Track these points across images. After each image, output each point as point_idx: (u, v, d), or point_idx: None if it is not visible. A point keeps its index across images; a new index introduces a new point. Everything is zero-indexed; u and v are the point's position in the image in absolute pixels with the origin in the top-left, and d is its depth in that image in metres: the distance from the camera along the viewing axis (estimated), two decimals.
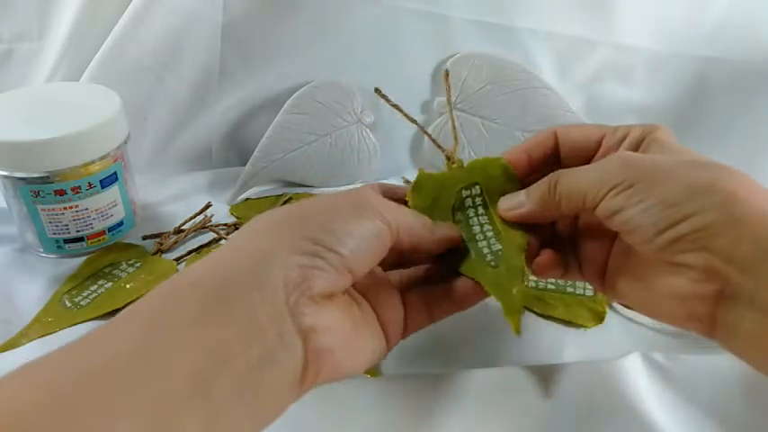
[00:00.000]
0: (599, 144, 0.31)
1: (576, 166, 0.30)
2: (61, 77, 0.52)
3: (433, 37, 0.52)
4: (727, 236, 0.23)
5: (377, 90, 0.36)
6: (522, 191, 0.31)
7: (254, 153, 0.52)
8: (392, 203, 0.28)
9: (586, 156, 0.31)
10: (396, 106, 0.36)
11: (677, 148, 0.28)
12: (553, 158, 0.32)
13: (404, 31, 0.51)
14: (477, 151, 0.54)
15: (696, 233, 0.23)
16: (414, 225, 0.28)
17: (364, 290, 0.28)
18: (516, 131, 0.53)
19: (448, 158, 0.34)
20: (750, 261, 0.22)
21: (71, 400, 0.18)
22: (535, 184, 0.30)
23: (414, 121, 0.36)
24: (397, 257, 0.28)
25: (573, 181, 0.28)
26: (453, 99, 0.52)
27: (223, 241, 0.46)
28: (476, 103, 0.52)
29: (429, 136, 0.37)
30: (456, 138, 0.38)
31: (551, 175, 0.29)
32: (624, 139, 0.30)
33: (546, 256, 0.31)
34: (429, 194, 0.32)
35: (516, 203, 0.31)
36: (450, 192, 0.32)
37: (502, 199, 0.32)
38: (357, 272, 0.25)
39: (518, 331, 0.27)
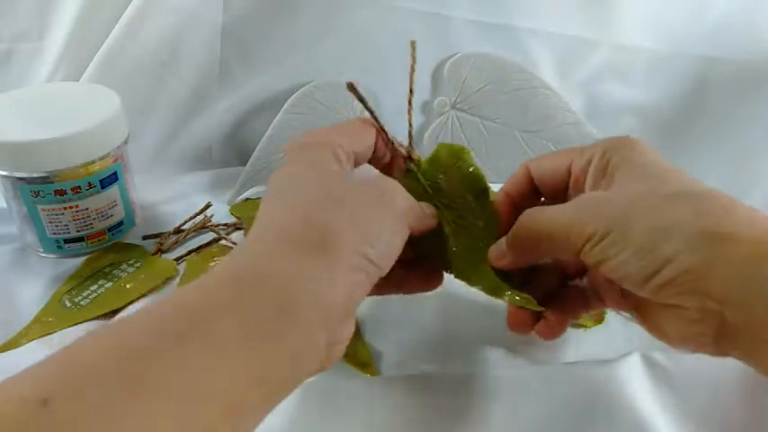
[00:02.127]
0: (569, 172, 0.30)
1: (553, 195, 0.31)
2: (61, 77, 0.52)
3: (433, 37, 0.52)
4: (713, 277, 0.22)
5: (349, 85, 0.34)
6: (502, 239, 0.30)
7: (254, 153, 0.52)
8: (411, 202, 0.28)
9: (560, 185, 0.31)
10: (363, 101, 0.34)
11: (644, 170, 0.27)
12: (532, 192, 0.32)
13: (403, 31, 0.51)
14: (478, 152, 0.54)
15: (681, 277, 0.23)
16: (419, 223, 0.29)
17: None
18: (516, 131, 0.53)
19: (410, 159, 0.34)
20: (743, 299, 0.22)
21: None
22: (510, 232, 0.29)
23: (375, 118, 0.35)
24: None
25: (549, 226, 0.27)
26: (453, 99, 0.52)
27: (223, 241, 0.46)
28: (476, 103, 0.52)
29: (386, 135, 0.35)
30: (411, 134, 0.37)
31: (520, 217, 0.29)
32: (590, 162, 0.29)
33: (568, 297, 0.32)
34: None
35: (501, 253, 0.30)
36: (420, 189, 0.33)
37: (490, 249, 0.31)
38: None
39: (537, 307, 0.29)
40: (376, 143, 0.32)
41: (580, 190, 0.29)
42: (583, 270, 0.32)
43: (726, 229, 0.23)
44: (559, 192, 0.31)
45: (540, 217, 0.28)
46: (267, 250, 0.23)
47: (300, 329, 0.21)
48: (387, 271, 0.25)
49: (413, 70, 0.36)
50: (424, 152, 0.52)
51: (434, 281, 0.32)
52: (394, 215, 0.26)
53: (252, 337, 0.20)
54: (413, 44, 0.37)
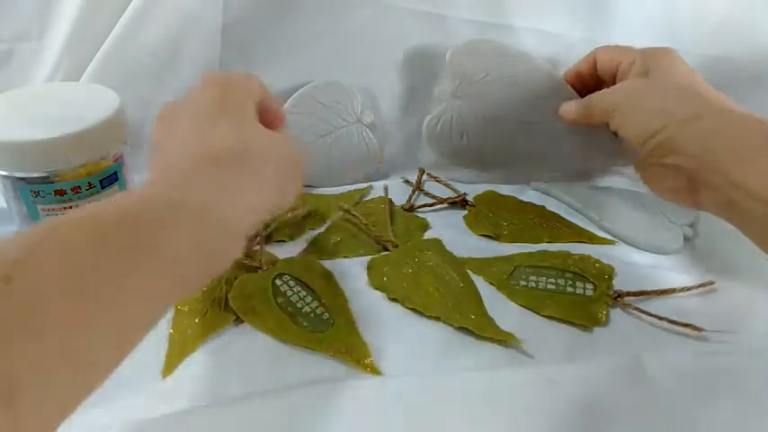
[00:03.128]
0: (617, 67, 0.44)
1: (606, 79, 0.46)
2: (61, 77, 0.52)
3: (433, 37, 0.52)
4: (685, 142, 0.35)
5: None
6: (574, 102, 0.46)
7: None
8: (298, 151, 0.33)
9: (611, 73, 0.45)
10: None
11: (671, 68, 0.41)
12: (595, 72, 0.46)
13: (403, 31, 0.51)
14: (476, 141, 0.52)
15: (666, 141, 0.36)
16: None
17: None
18: (516, 122, 0.51)
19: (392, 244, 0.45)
20: (704, 155, 0.34)
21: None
22: (582, 100, 0.45)
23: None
24: None
25: (595, 100, 0.43)
26: (454, 88, 0.51)
27: None
28: (476, 91, 0.51)
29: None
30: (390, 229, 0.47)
31: (587, 97, 0.44)
32: (635, 62, 0.43)
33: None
34: None
35: (569, 111, 0.46)
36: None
37: (562, 106, 0.47)
38: None
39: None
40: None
41: (625, 78, 0.44)
42: None
43: (697, 113, 0.36)
44: (611, 75, 0.45)
45: (596, 96, 0.43)
46: (192, 177, 0.27)
47: (212, 253, 0.26)
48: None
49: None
50: (423, 153, 0.51)
51: None
52: (299, 170, 0.33)
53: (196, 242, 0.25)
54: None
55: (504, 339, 0.36)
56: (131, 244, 0.22)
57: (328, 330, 0.37)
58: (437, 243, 0.46)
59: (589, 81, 0.47)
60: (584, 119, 0.45)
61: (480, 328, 0.37)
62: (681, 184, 0.36)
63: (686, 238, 0.46)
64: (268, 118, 0.36)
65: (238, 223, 0.27)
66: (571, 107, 0.46)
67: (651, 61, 0.42)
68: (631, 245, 0.46)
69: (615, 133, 0.42)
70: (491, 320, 0.38)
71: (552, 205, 0.51)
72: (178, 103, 0.32)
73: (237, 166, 0.28)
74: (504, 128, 0.52)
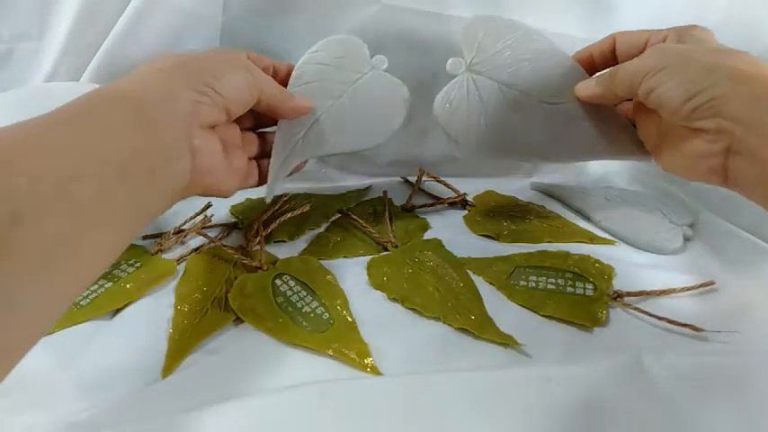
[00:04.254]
0: (646, 43, 0.40)
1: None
2: (61, 77, 0.52)
3: (433, 37, 0.52)
4: (733, 102, 0.31)
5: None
6: (594, 77, 0.42)
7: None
8: (260, 71, 0.38)
9: (636, 54, 0.39)
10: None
11: (706, 40, 0.37)
12: (610, 56, 0.42)
13: (404, 31, 0.51)
14: (496, 122, 0.45)
15: (709, 102, 0.31)
16: (274, 90, 0.39)
17: (226, 142, 0.37)
18: (538, 101, 0.45)
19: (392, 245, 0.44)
20: (751, 121, 0.30)
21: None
22: (602, 73, 0.41)
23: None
24: (255, 120, 0.42)
25: (624, 69, 0.37)
26: (469, 60, 0.45)
27: (213, 245, 0.46)
28: (494, 65, 0.45)
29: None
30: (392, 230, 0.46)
31: (613, 68, 0.39)
32: (665, 38, 0.39)
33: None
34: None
35: (588, 87, 0.42)
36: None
37: (579, 84, 0.42)
38: (231, 112, 0.36)
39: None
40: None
41: None
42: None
43: (747, 73, 0.31)
44: (627, 59, 0.39)
45: (623, 65, 0.37)
46: (138, 74, 0.33)
47: (154, 121, 0.30)
48: (234, 106, 0.35)
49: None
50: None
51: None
52: (234, 62, 0.36)
53: (127, 124, 0.28)
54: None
55: (503, 342, 0.36)
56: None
57: (328, 330, 0.37)
58: (437, 243, 0.46)
59: (602, 66, 0.44)
60: (607, 92, 0.40)
61: (480, 329, 0.37)
62: (716, 151, 0.32)
63: (686, 238, 0.46)
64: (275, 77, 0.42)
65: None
66: (590, 83, 0.42)
67: (684, 34, 0.38)
68: (631, 245, 0.46)
69: (633, 124, 0.41)
70: (491, 321, 0.38)
71: (552, 205, 0.51)
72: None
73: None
74: (527, 106, 0.45)
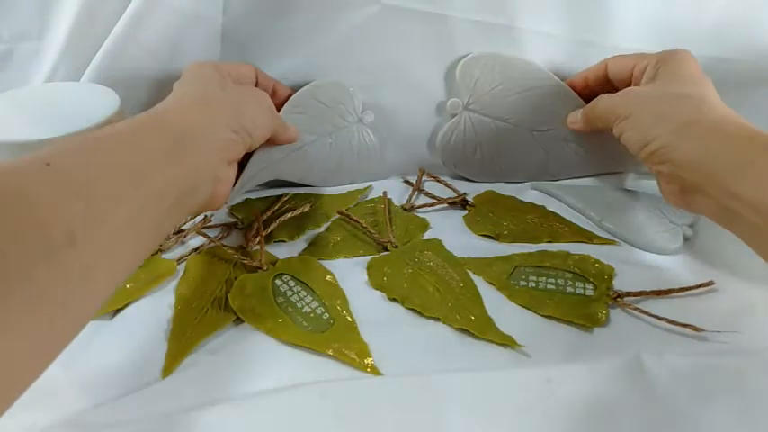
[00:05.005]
0: (632, 72, 0.44)
1: (620, 86, 0.45)
2: (61, 77, 0.52)
3: (434, 36, 0.52)
4: (678, 150, 0.36)
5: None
6: (579, 111, 0.49)
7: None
8: (275, 111, 0.44)
9: (625, 79, 0.45)
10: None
11: (677, 74, 0.41)
12: (604, 80, 0.47)
13: (404, 31, 0.51)
14: (491, 152, 0.54)
15: (659, 150, 0.37)
16: (281, 129, 0.45)
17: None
18: (529, 131, 0.53)
19: (392, 245, 0.46)
20: (695, 164, 0.35)
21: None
22: (585, 107, 0.48)
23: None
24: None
25: (601, 106, 0.44)
26: (466, 100, 0.52)
27: (213, 245, 0.46)
28: (488, 103, 0.52)
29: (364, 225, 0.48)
30: (391, 230, 0.48)
31: (591, 103, 0.46)
32: (646, 68, 0.42)
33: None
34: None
35: (575, 120, 0.49)
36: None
37: (569, 116, 0.50)
38: (252, 148, 0.41)
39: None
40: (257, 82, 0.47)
41: (637, 85, 0.43)
42: None
43: (690, 120, 0.36)
44: (625, 83, 0.45)
45: (601, 101, 0.45)
46: (177, 107, 0.36)
47: (194, 153, 0.32)
48: (258, 143, 0.41)
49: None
50: (435, 150, 0.51)
51: None
52: (263, 105, 0.42)
53: (170, 155, 0.31)
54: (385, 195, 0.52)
55: (503, 343, 0.36)
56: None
57: (328, 330, 0.37)
58: (437, 243, 0.46)
59: (597, 89, 0.48)
60: (589, 126, 0.47)
61: (480, 329, 0.37)
62: (675, 191, 0.38)
63: (686, 238, 0.46)
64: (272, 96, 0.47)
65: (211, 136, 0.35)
66: (577, 116, 0.48)
67: (661, 66, 0.41)
68: (631, 245, 0.46)
69: None
70: (491, 322, 0.38)
71: (552, 205, 0.51)
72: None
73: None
74: (518, 136, 0.53)
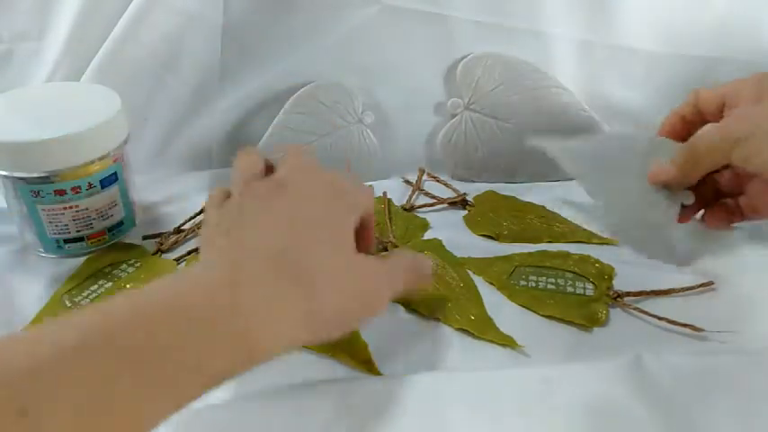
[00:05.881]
0: (723, 102, 0.38)
1: (714, 119, 0.38)
2: (61, 77, 0.52)
3: (434, 37, 0.52)
4: None
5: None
6: (666, 160, 0.38)
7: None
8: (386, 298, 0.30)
9: (719, 109, 0.38)
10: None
11: None
12: (699, 115, 0.39)
13: (403, 31, 0.51)
14: (492, 152, 0.54)
15: None
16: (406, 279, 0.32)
17: None
18: (529, 131, 0.52)
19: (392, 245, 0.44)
20: None
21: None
22: (677, 154, 0.37)
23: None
24: None
25: (707, 140, 0.35)
26: (467, 100, 0.52)
27: None
28: (489, 103, 0.52)
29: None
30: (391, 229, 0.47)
31: (687, 143, 0.37)
32: (744, 89, 0.36)
33: (716, 211, 0.40)
34: None
35: (664, 171, 0.38)
36: None
37: (653, 170, 0.39)
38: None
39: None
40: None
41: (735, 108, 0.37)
42: (738, 190, 0.39)
43: None
44: (719, 116, 0.38)
45: (705, 134, 0.36)
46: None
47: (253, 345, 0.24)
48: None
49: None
50: (436, 149, 0.52)
51: None
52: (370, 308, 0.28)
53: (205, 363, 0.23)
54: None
55: (503, 343, 0.36)
56: (149, 361, 0.21)
57: None
58: (437, 243, 0.46)
59: (694, 127, 0.40)
60: (688, 171, 0.37)
61: (480, 329, 0.37)
62: None
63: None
64: (360, 235, 0.31)
65: (270, 350, 0.25)
66: (664, 165, 0.38)
67: (766, 83, 0.36)
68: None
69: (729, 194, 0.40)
70: (491, 322, 0.38)
71: (552, 205, 0.51)
72: (289, 182, 0.30)
73: (310, 296, 0.25)
74: (518, 136, 0.53)
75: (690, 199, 0.39)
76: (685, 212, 0.40)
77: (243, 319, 0.24)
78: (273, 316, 0.25)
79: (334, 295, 0.26)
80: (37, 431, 0.19)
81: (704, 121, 0.39)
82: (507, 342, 0.36)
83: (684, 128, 0.40)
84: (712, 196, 0.40)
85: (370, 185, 0.35)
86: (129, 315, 0.22)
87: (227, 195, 0.31)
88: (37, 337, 0.22)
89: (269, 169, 0.32)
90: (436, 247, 0.46)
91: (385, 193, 0.52)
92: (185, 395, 0.23)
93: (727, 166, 0.36)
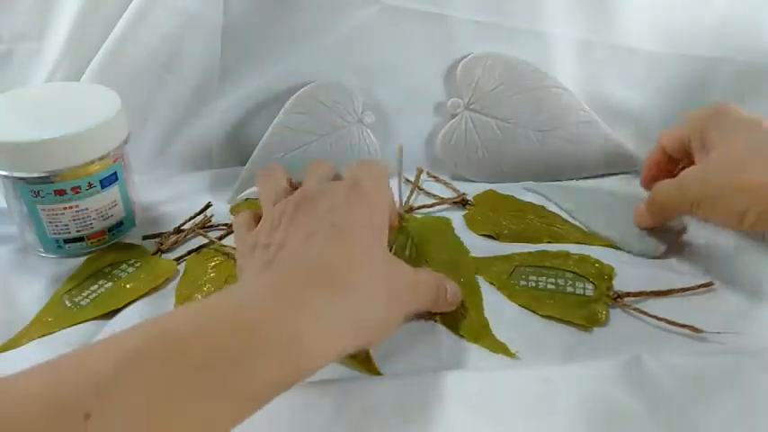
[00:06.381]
0: (683, 143, 0.41)
1: (681, 156, 0.42)
2: (61, 77, 0.52)
3: (434, 37, 0.52)
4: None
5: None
6: (642, 207, 0.43)
7: (254, 153, 0.52)
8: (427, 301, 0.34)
9: (683, 150, 0.42)
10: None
11: (728, 136, 0.37)
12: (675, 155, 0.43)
13: (404, 31, 0.51)
14: (492, 152, 0.54)
15: (759, 220, 0.35)
16: (430, 298, 0.35)
17: None
18: (530, 131, 0.53)
19: (402, 218, 0.43)
20: None
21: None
22: (647, 200, 0.43)
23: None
24: None
25: (664, 200, 0.41)
26: (467, 100, 0.52)
27: (213, 245, 0.46)
28: (489, 103, 0.52)
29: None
30: (401, 200, 0.46)
31: (651, 194, 0.42)
32: (691, 137, 0.40)
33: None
34: None
35: (641, 215, 0.44)
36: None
37: (635, 210, 0.44)
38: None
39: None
40: None
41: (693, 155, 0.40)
42: None
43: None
44: (685, 154, 0.42)
45: (659, 190, 0.41)
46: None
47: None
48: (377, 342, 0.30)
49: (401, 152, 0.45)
50: (436, 149, 0.52)
51: None
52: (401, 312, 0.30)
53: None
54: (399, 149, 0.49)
55: (497, 350, 0.36)
56: (207, 371, 0.22)
57: None
58: (446, 222, 0.45)
59: (668, 168, 0.44)
60: (659, 220, 0.43)
61: (475, 336, 0.37)
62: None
63: (682, 242, 0.46)
64: None
65: (323, 358, 0.26)
66: (643, 215, 0.44)
67: (710, 132, 0.38)
68: (616, 248, 0.46)
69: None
70: (487, 328, 0.38)
71: (552, 205, 0.51)
72: (317, 193, 0.31)
73: (356, 304, 0.26)
74: (518, 137, 0.53)
75: (681, 224, 0.44)
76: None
77: (296, 330, 0.24)
78: (325, 326, 0.25)
79: (377, 301, 0.27)
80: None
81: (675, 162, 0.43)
82: (501, 350, 0.36)
83: (666, 168, 0.44)
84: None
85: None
86: (189, 328, 0.23)
87: (256, 218, 0.32)
88: (101, 347, 0.22)
89: (291, 186, 0.34)
90: (444, 226, 0.45)
91: (400, 147, 0.52)
92: (245, 405, 0.23)
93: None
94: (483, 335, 0.37)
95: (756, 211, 0.34)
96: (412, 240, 0.43)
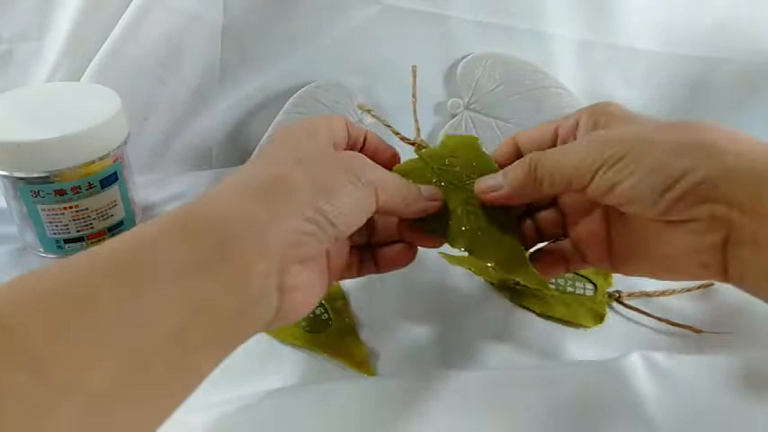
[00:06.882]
0: (555, 135, 0.32)
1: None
2: (61, 77, 0.52)
3: (434, 37, 0.52)
4: (725, 184, 0.24)
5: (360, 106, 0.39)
6: (500, 172, 0.31)
7: (254, 153, 0.52)
8: (383, 172, 0.28)
9: (549, 147, 0.32)
10: (377, 118, 0.39)
11: (639, 118, 0.29)
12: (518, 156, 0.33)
13: (403, 31, 0.51)
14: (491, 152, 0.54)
15: (695, 188, 0.25)
16: (397, 200, 0.29)
17: (327, 264, 0.29)
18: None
19: (418, 146, 0.36)
20: (749, 201, 0.24)
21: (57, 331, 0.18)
22: (512, 166, 0.31)
23: (384, 122, 0.39)
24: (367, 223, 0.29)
25: (555, 163, 0.29)
26: (467, 100, 0.53)
27: None
28: (489, 103, 0.53)
29: (394, 130, 0.39)
30: (418, 126, 0.40)
31: (529, 156, 0.30)
32: (577, 123, 0.31)
33: (545, 256, 0.33)
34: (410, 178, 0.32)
35: (494, 185, 0.31)
36: (427, 170, 0.33)
37: (478, 180, 0.32)
38: (340, 239, 0.26)
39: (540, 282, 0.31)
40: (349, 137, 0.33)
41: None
42: (561, 232, 0.33)
43: (728, 148, 0.25)
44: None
45: (548, 158, 0.29)
46: (220, 195, 0.25)
47: (238, 261, 0.22)
48: (346, 232, 0.26)
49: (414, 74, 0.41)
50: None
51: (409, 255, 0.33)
52: (358, 182, 0.26)
53: (193, 268, 0.21)
54: (413, 69, 0.42)
55: (537, 287, 0.34)
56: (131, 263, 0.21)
57: (326, 331, 0.37)
58: (473, 140, 0.36)
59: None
60: (522, 192, 0.30)
61: (510, 267, 0.31)
62: (710, 244, 0.25)
63: None
64: (378, 156, 0.33)
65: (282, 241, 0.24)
66: (496, 180, 0.31)
67: (602, 115, 0.30)
68: None
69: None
70: (524, 256, 0.32)
71: None
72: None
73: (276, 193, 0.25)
74: None
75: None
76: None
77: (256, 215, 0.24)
78: (281, 211, 0.24)
79: (314, 188, 0.25)
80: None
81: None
82: (541, 286, 0.33)
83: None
84: (533, 237, 0.34)
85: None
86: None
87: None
88: (62, 264, 0.21)
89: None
90: (471, 143, 0.36)
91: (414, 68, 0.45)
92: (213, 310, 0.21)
93: (553, 203, 0.33)
94: (519, 266, 0.31)
95: (694, 179, 0.25)
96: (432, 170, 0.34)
